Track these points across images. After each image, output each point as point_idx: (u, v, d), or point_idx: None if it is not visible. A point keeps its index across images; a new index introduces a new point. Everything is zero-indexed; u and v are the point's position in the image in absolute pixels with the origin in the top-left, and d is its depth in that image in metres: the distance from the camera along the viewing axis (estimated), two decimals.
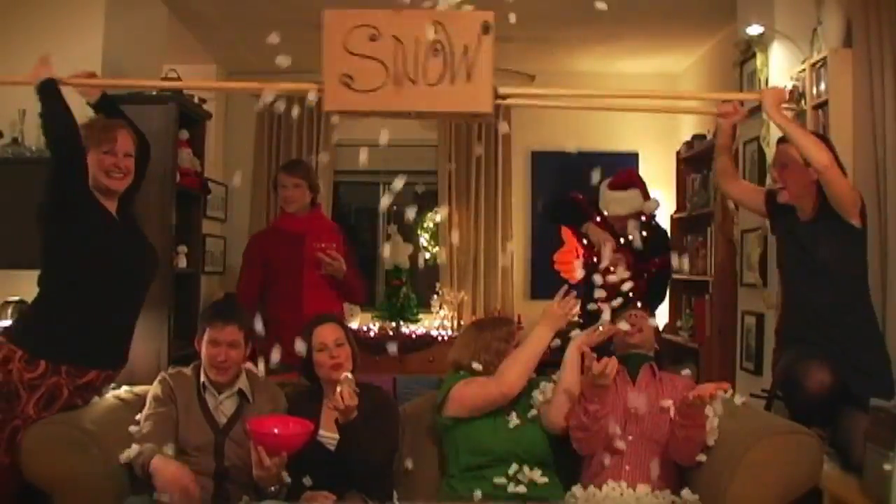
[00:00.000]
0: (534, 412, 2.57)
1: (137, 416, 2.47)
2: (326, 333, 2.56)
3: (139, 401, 2.56)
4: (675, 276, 5.25)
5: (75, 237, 2.41)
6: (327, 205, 5.77)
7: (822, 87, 3.43)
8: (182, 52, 5.11)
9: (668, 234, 4.12)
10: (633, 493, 2.39)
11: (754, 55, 3.89)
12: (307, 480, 2.34)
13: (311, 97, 2.31)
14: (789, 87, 3.62)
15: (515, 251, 6.05)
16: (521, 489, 2.42)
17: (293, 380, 2.84)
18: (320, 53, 2.33)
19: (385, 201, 2.51)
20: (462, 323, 5.79)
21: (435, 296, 5.92)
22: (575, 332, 2.64)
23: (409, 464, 2.59)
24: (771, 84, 3.77)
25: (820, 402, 2.54)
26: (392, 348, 3.70)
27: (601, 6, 2.40)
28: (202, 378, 2.51)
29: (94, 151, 2.46)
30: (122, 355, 2.59)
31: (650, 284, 3.62)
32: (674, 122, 5.90)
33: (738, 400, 2.55)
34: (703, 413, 2.34)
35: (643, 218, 3.78)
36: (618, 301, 2.67)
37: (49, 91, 2.42)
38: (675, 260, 3.55)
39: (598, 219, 3.78)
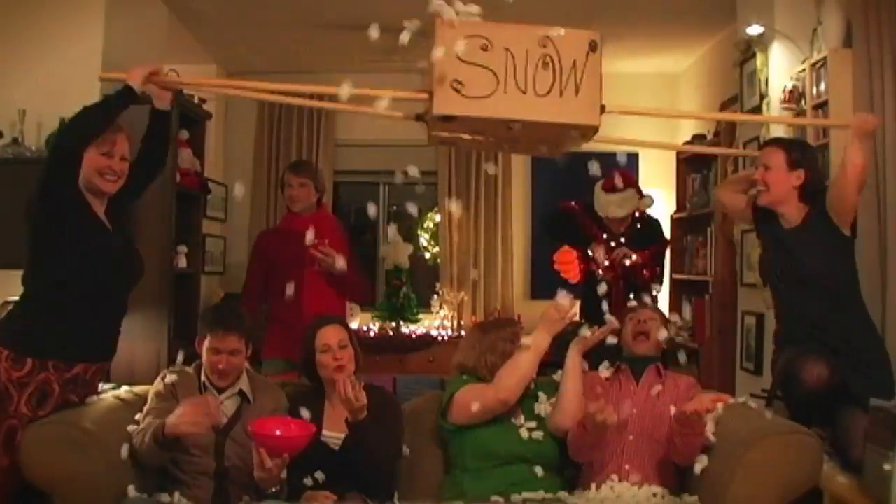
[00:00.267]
0: (540, 413, 2.57)
1: (137, 416, 2.46)
2: (330, 335, 2.56)
3: (139, 401, 2.56)
4: (675, 276, 5.27)
5: (62, 236, 2.40)
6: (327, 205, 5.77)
7: (822, 87, 3.43)
8: (182, 52, 5.10)
9: (660, 224, 4.19)
10: (633, 492, 2.39)
11: (754, 55, 3.89)
12: (308, 481, 2.34)
13: (343, 92, 2.28)
14: (789, 87, 3.63)
15: (515, 251, 6.05)
16: (525, 489, 2.42)
17: (294, 380, 2.85)
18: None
19: (372, 210, 2.56)
20: (462, 323, 5.80)
21: (435, 296, 5.92)
22: (583, 330, 2.61)
23: (406, 450, 2.59)
24: (771, 85, 3.77)
25: (818, 396, 2.53)
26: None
27: None
28: (203, 378, 2.51)
29: (91, 151, 2.45)
30: (110, 348, 2.57)
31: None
32: (674, 122, 5.89)
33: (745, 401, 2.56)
34: (702, 423, 2.33)
35: (637, 214, 3.88)
36: (632, 302, 2.69)
37: (126, 98, 2.41)
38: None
39: (594, 227, 3.87)
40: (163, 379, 2.52)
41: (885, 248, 3.17)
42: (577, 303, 2.69)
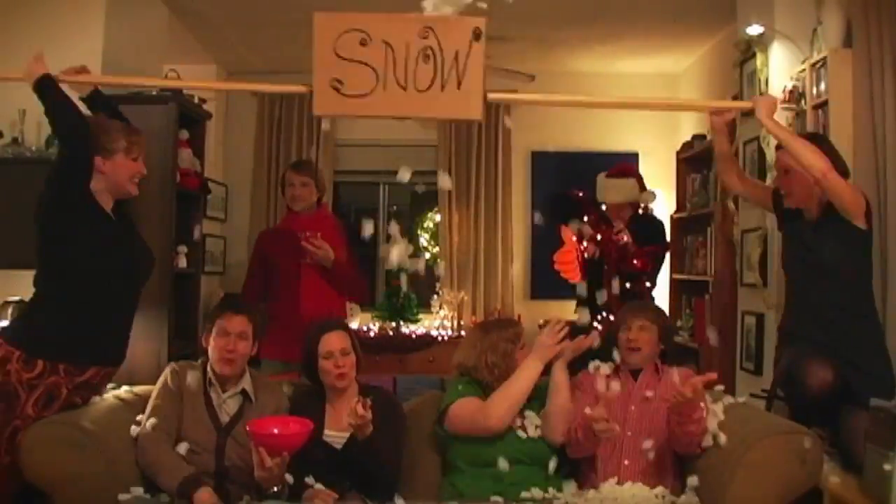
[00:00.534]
0: (530, 434, 2.54)
1: (138, 417, 2.47)
2: (333, 341, 2.56)
3: (139, 401, 2.56)
4: (675, 276, 5.27)
5: (73, 235, 2.41)
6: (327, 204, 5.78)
7: (822, 87, 3.43)
8: (182, 52, 5.11)
9: (664, 226, 4.18)
10: (633, 492, 2.39)
11: (754, 55, 3.89)
12: (310, 480, 2.34)
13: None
14: (789, 87, 3.62)
15: (515, 251, 6.05)
16: (525, 489, 2.42)
17: (295, 380, 2.85)
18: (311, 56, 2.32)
19: (369, 229, 2.51)
20: (462, 323, 5.80)
21: (435, 296, 5.92)
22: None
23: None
24: (771, 84, 3.77)
25: (822, 400, 2.53)
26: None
27: None
28: (208, 374, 2.52)
29: (121, 156, 2.49)
30: (121, 352, 2.59)
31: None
32: (674, 122, 5.90)
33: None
34: (697, 407, 2.33)
35: (640, 210, 3.86)
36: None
37: (48, 87, 2.44)
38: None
39: (596, 214, 3.85)
40: (172, 372, 2.53)
41: (885, 248, 3.17)
42: (597, 336, 2.64)
